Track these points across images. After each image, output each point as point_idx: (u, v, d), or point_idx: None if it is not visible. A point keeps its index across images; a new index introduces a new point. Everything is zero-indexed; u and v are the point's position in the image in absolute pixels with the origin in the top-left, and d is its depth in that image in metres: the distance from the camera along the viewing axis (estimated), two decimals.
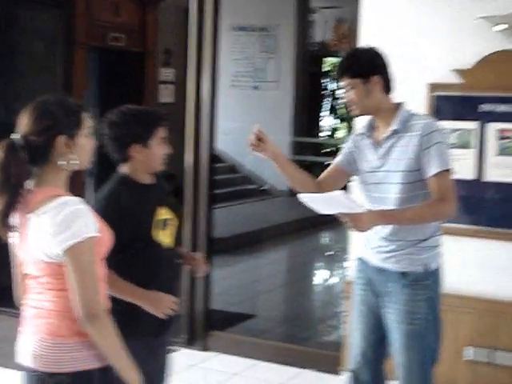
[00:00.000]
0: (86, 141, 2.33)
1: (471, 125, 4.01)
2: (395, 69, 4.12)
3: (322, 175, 3.27)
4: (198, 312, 5.31)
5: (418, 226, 3.02)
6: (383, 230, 3.05)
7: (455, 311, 4.07)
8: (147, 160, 2.91)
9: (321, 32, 12.23)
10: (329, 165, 3.34)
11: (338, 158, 3.26)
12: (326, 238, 9.82)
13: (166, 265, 2.95)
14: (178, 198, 5.64)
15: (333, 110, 12.44)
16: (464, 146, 4.03)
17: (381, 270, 3.11)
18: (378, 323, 3.15)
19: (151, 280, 2.85)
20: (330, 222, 9.62)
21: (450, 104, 4.07)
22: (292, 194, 9.56)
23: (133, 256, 2.80)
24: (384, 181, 3.04)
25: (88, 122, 2.34)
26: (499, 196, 3.97)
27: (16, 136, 2.23)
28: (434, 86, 4.06)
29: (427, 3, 4.09)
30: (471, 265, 4.09)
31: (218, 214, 5.99)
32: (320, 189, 3.10)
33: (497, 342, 3.99)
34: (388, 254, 3.07)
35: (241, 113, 10.40)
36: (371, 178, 3.10)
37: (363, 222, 2.87)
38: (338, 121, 12.55)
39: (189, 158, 5.32)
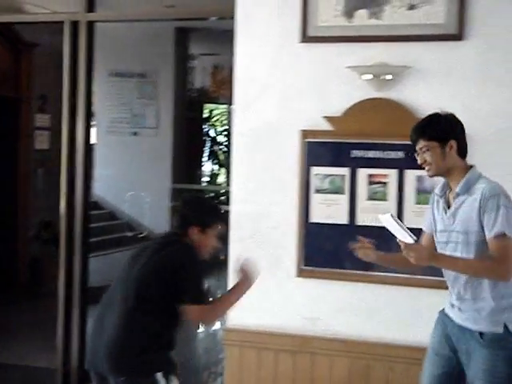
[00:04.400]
0: None
1: (343, 171, 4.12)
2: (269, 116, 4.25)
3: None
4: (72, 368, 5.14)
5: (499, 287, 3.08)
6: (461, 289, 3.14)
7: (329, 354, 4.13)
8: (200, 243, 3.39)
9: (200, 78, 12.33)
10: None
11: (426, 227, 3.37)
12: (206, 284, 9.76)
13: None
14: (55, 247, 5.50)
15: (213, 156, 12.49)
16: (337, 191, 4.13)
17: (461, 328, 3.17)
18: (448, 376, 3.22)
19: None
20: (210, 268, 9.58)
21: (322, 150, 4.16)
22: None
23: None
24: (451, 240, 3.15)
25: None
26: (370, 240, 4.06)
27: None
28: (305, 133, 4.15)
29: (299, 52, 4.20)
30: (343, 308, 4.16)
31: (96, 263, 5.84)
32: None
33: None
34: (467, 314, 3.14)
35: (120, 159, 10.28)
36: (442, 236, 3.22)
37: (419, 254, 3.00)
38: (218, 166, 12.61)
39: (63, 205, 5.20)
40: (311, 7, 4.14)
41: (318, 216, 4.18)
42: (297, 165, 4.19)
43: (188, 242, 3.36)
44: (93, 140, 5.49)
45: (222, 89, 11.91)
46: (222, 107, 13.29)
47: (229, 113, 12.44)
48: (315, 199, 4.16)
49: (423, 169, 3.21)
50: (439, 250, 3.24)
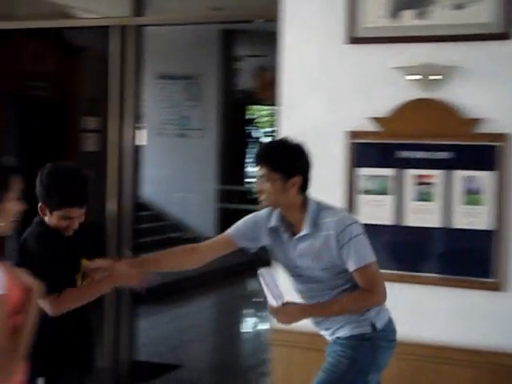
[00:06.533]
0: (13, 205, 2.27)
1: (389, 171, 4.11)
2: (315, 117, 4.26)
3: (208, 242, 3.27)
4: (122, 364, 5.21)
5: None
6: (320, 322, 3.14)
7: None
8: None
9: (245, 80, 12.39)
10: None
11: (232, 232, 3.21)
12: (252, 284, 9.81)
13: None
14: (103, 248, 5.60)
15: None
16: (382, 192, 4.12)
17: (331, 342, 3.18)
18: None
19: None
20: (256, 269, 9.60)
21: (369, 151, 4.16)
22: None
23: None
24: (307, 274, 3.07)
25: (17, 186, 2.28)
26: (417, 240, 4.06)
27: None
28: (353, 134, 4.15)
29: (344, 53, 4.21)
30: (393, 309, 4.14)
31: None
32: (197, 253, 3.21)
33: None
34: (331, 331, 3.15)
35: (167, 161, 10.40)
36: (294, 270, 3.11)
37: (287, 316, 2.94)
38: None
39: (112, 206, 5.28)
40: (356, 8, 4.14)
41: (363, 217, 4.17)
42: (343, 166, 4.20)
43: (40, 219, 3.02)
44: (143, 142, 5.57)
45: (266, 90, 11.94)
46: (267, 108, 13.33)
47: (274, 114, 12.50)
48: (361, 200, 4.16)
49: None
50: (294, 280, 3.13)
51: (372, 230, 4.12)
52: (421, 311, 4.09)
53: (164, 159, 10.32)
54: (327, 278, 3.04)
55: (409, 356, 4.04)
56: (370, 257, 3.00)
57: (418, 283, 4.07)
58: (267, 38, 5.70)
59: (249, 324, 8.23)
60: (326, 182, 4.23)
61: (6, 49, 7.53)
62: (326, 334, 3.21)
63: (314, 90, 4.29)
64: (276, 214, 3.09)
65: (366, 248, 3.00)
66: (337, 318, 3.08)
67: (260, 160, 3.01)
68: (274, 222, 3.09)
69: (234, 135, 11.50)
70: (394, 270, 4.11)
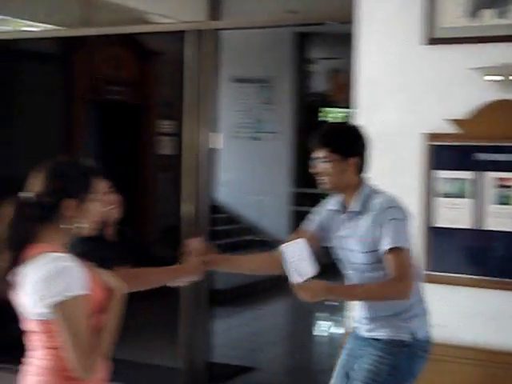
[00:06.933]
0: (95, 206, 2.32)
1: (468, 174, 4.03)
2: (391, 119, 4.21)
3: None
4: (198, 365, 5.25)
5: (393, 302, 3.00)
6: (362, 311, 3.11)
7: (456, 362, 4.04)
8: None
9: (319, 82, 12.34)
10: None
11: (312, 226, 3.26)
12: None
13: None
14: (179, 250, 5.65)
15: None
16: (461, 195, 4.04)
17: (364, 339, 3.14)
18: None
19: None
20: (330, 271, 9.57)
21: (447, 154, 4.09)
22: None
23: None
24: (350, 259, 3.09)
25: (99, 187, 2.34)
26: (497, 245, 3.96)
27: (27, 194, 2.24)
28: (431, 136, 4.08)
29: (420, 55, 4.15)
30: (471, 315, 4.06)
31: None
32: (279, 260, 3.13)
33: None
34: (375, 324, 3.10)
35: (242, 164, 10.45)
36: (340, 252, 3.15)
37: (309, 293, 2.87)
38: None
39: (187, 209, 5.32)
40: (434, 9, 4.07)
41: (441, 220, 4.10)
42: (420, 168, 4.13)
43: None
44: (218, 145, 5.62)
45: (340, 93, 11.88)
46: (341, 111, 13.26)
47: (348, 117, 12.40)
48: (439, 203, 4.09)
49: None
50: (344, 269, 3.12)
51: (450, 233, 4.08)
52: (501, 317, 3.99)
53: (239, 162, 10.38)
54: (366, 268, 3.02)
55: (481, 362, 3.97)
56: (405, 242, 2.93)
57: (497, 289, 3.98)
58: (341, 40, 5.68)
59: (323, 327, 8.19)
60: (404, 184, 4.18)
61: (84, 54, 7.73)
62: (363, 327, 3.16)
63: (390, 91, 4.25)
64: (336, 198, 3.18)
65: (403, 233, 2.95)
66: (381, 316, 3.05)
67: (320, 142, 3.08)
68: (334, 205, 3.18)
69: (308, 138, 11.45)
70: (472, 275, 4.04)
